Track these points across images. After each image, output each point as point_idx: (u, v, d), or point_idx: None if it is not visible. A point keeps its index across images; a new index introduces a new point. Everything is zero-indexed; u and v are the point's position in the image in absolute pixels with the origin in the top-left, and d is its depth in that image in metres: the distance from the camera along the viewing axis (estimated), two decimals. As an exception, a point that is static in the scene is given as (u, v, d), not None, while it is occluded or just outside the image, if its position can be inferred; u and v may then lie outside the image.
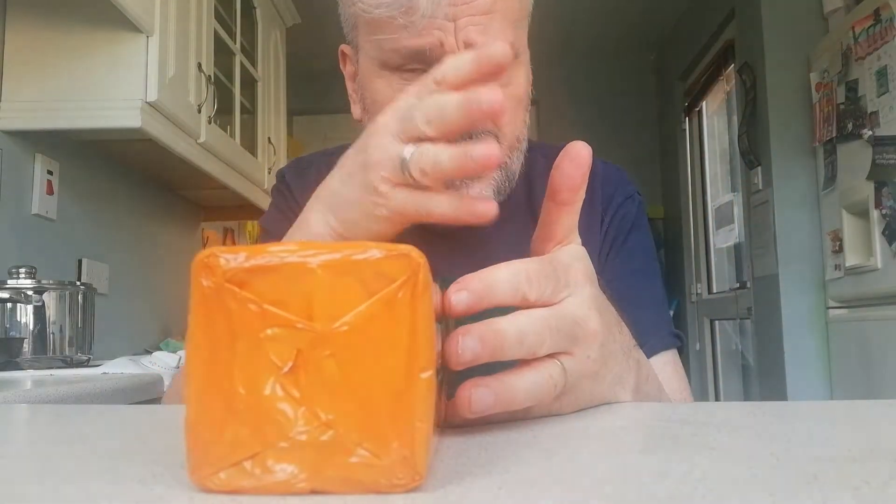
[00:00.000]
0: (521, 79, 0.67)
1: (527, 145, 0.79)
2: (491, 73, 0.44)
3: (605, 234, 0.76)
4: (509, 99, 0.65)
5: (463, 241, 0.73)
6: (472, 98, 0.42)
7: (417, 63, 0.65)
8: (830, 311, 2.61)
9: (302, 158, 0.88)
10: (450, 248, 0.73)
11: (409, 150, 0.46)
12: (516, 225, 0.75)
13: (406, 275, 0.22)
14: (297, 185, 0.82)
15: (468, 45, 0.62)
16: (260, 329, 0.22)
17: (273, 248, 0.22)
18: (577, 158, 0.39)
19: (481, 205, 0.48)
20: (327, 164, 0.81)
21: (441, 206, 0.47)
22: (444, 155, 0.45)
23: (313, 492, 0.22)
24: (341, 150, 0.81)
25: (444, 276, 0.32)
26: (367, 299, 0.22)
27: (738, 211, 3.38)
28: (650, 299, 0.73)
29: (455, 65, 0.45)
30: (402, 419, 0.22)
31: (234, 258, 0.22)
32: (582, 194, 0.40)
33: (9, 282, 1.43)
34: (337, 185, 0.55)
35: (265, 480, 0.22)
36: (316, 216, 0.56)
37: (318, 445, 0.22)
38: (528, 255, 0.39)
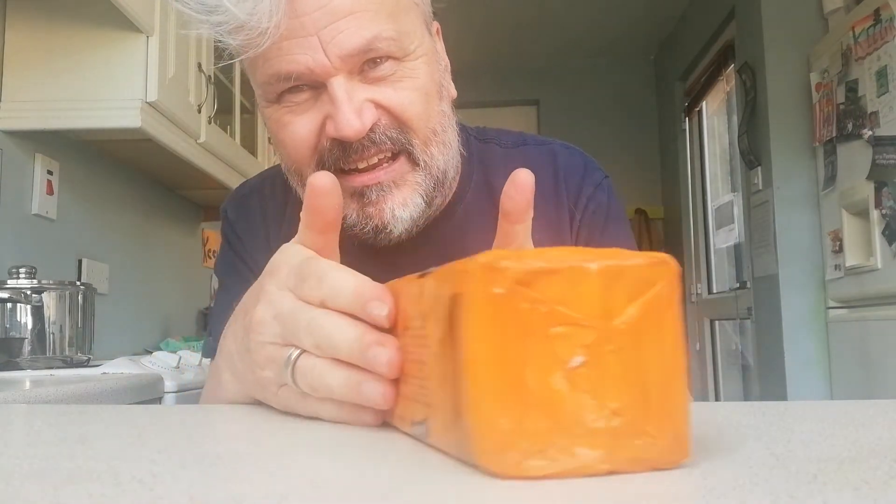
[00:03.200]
0: (419, 70, 0.62)
1: (476, 135, 0.76)
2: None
3: (579, 227, 0.73)
4: (410, 92, 0.61)
5: (431, 244, 0.70)
6: (367, 354, 0.35)
7: (294, 90, 0.60)
8: (830, 311, 2.61)
9: (244, 186, 0.84)
10: (418, 251, 0.69)
11: (293, 353, 0.39)
12: (478, 224, 0.72)
13: (666, 279, 0.25)
14: (238, 221, 0.78)
15: (343, 58, 0.58)
16: (548, 327, 0.24)
17: (546, 253, 0.25)
18: (521, 184, 0.43)
19: (371, 414, 0.37)
20: (270, 187, 0.78)
21: (330, 414, 0.39)
22: (333, 381, 0.37)
23: (609, 473, 0.24)
24: (278, 176, 0.77)
25: None
26: (634, 301, 0.25)
27: (738, 211, 3.38)
28: None
29: (337, 292, 0.38)
30: (673, 404, 0.25)
31: (521, 263, 0.24)
32: (531, 212, 0.44)
33: (9, 282, 1.43)
34: (234, 352, 0.48)
35: (569, 465, 0.24)
36: (226, 376, 0.50)
37: (610, 431, 0.24)
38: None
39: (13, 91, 1.66)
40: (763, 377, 3.00)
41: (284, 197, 0.76)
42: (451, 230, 0.72)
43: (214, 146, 2.10)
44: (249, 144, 2.56)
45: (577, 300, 0.24)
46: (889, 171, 2.15)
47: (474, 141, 0.76)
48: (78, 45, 1.66)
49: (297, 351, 0.39)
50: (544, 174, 0.74)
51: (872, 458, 0.26)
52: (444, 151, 0.65)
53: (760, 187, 2.89)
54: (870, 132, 2.22)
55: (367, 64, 0.60)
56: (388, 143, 0.61)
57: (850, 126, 2.34)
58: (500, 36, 4.03)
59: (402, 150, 0.62)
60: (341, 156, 0.61)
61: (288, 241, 0.64)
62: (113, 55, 1.66)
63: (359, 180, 0.62)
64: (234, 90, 2.41)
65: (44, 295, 1.44)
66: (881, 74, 2.17)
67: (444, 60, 0.70)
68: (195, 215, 2.81)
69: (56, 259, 1.84)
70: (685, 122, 4.05)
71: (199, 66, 1.98)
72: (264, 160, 2.66)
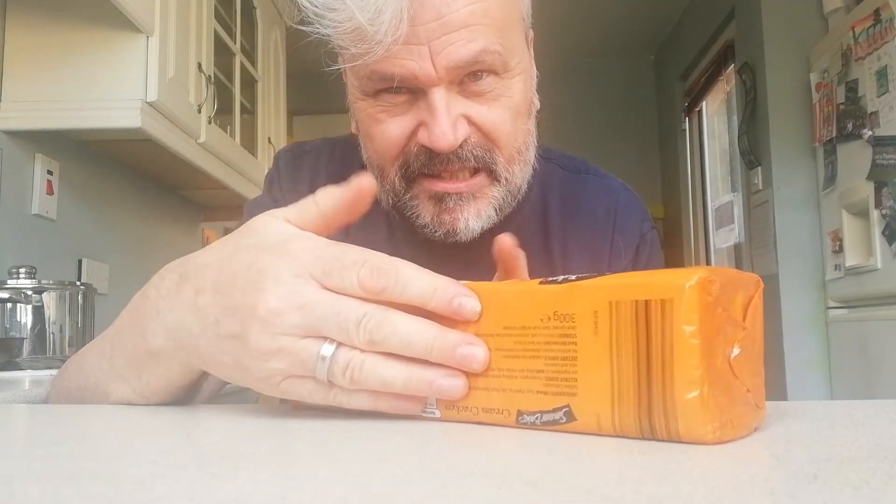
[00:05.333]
0: (515, 88, 0.63)
1: (541, 152, 0.76)
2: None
3: (634, 259, 0.75)
4: (503, 112, 0.62)
5: (472, 258, 0.71)
6: (459, 352, 0.35)
7: (394, 90, 0.61)
8: (830, 311, 2.61)
9: (304, 143, 0.82)
10: (459, 266, 0.70)
11: (328, 349, 0.36)
12: (527, 239, 0.74)
13: (759, 291, 0.34)
14: (286, 171, 0.78)
15: (449, 70, 0.58)
16: (723, 327, 0.31)
17: (719, 270, 0.32)
18: (504, 246, 0.51)
19: (418, 403, 0.37)
20: (328, 155, 0.79)
21: (364, 403, 0.37)
22: (394, 375, 0.36)
23: (738, 437, 0.31)
24: (346, 141, 0.80)
25: None
26: (745, 307, 0.33)
27: (738, 211, 3.38)
28: None
29: (406, 285, 0.36)
30: (762, 383, 0.34)
31: (717, 279, 0.31)
32: (521, 261, 0.52)
33: (9, 282, 1.43)
34: (192, 329, 0.41)
35: (740, 432, 0.31)
36: (158, 341, 0.44)
37: (749, 405, 0.32)
38: (539, 269, 0.47)
39: (13, 91, 1.66)
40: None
41: (340, 169, 0.76)
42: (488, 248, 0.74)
43: (214, 146, 2.10)
44: (249, 144, 2.56)
45: (734, 306, 0.32)
46: (889, 171, 2.15)
47: (538, 157, 0.76)
48: (78, 45, 1.66)
49: (335, 345, 0.36)
50: (598, 207, 0.76)
51: (872, 458, 0.26)
52: (523, 169, 0.67)
53: (760, 187, 2.89)
54: (870, 132, 2.22)
55: (468, 77, 0.60)
56: (473, 161, 0.62)
57: (850, 126, 2.34)
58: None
59: (484, 168, 0.64)
60: (427, 162, 0.62)
61: None
62: (113, 55, 1.66)
63: (441, 186, 0.63)
64: (234, 90, 2.41)
65: (44, 295, 1.44)
66: (881, 74, 2.17)
67: (534, 72, 0.70)
68: (195, 215, 2.81)
69: (56, 259, 1.84)
70: (685, 122, 4.05)
71: (199, 66, 1.98)
72: (264, 160, 2.66)
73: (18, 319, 1.42)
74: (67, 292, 1.49)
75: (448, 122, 0.59)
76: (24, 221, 1.73)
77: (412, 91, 0.61)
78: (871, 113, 2.22)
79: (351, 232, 0.73)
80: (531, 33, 0.70)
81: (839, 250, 2.45)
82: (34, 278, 1.45)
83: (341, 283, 0.37)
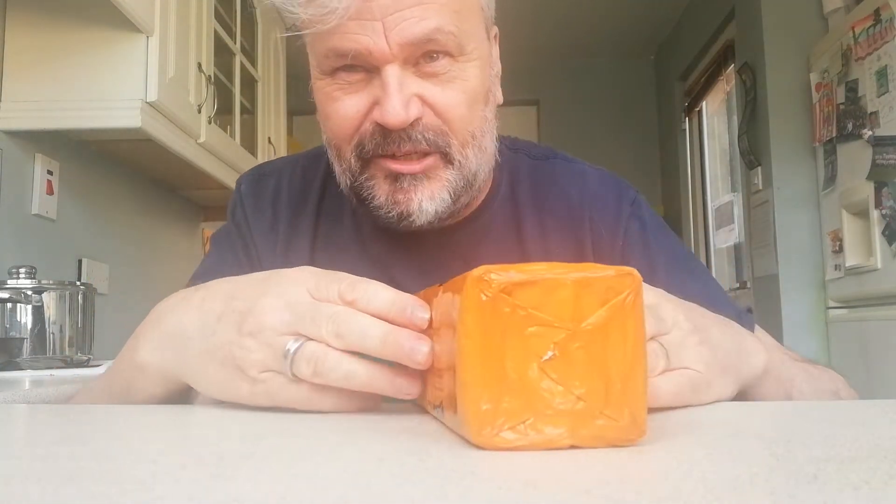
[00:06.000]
0: (470, 73, 0.63)
1: (507, 144, 0.77)
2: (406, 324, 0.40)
3: (622, 249, 0.73)
4: (457, 94, 0.63)
5: (454, 247, 0.72)
6: (407, 345, 0.38)
7: (349, 68, 0.62)
8: (830, 311, 2.61)
9: (265, 165, 0.83)
10: (442, 252, 0.72)
11: (298, 342, 0.41)
12: (499, 234, 0.74)
13: (630, 289, 0.31)
14: (249, 197, 0.78)
15: (402, 46, 0.59)
16: (525, 328, 0.30)
17: (531, 267, 0.30)
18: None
19: (374, 401, 0.43)
20: (289, 175, 0.79)
21: (325, 403, 0.42)
22: (356, 369, 0.40)
23: (571, 447, 0.30)
24: (308, 156, 0.80)
25: None
26: (601, 307, 0.30)
27: (738, 211, 3.38)
28: (708, 298, 0.62)
29: (371, 298, 0.41)
30: (630, 392, 0.30)
31: (504, 275, 0.30)
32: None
33: (9, 282, 1.43)
34: (196, 338, 0.46)
35: (536, 439, 0.29)
36: (166, 354, 0.49)
37: (573, 413, 0.30)
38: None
39: (13, 91, 1.66)
40: (763, 377, 2.99)
41: (303, 185, 0.77)
42: (473, 236, 0.74)
43: (214, 146, 2.10)
44: (249, 144, 2.56)
45: (553, 306, 0.30)
46: (889, 171, 2.15)
47: (505, 150, 0.76)
48: (78, 45, 1.66)
49: (302, 339, 0.41)
50: (570, 191, 0.76)
51: (872, 458, 0.26)
52: (478, 155, 0.67)
53: (760, 187, 2.89)
54: (870, 132, 2.22)
55: (423, 57, 0.62)
56: (424, 143, 0.63)
57: (850, 126, 2.34)
58: (499, 36, 4.03)
59: (437, 151, 0.64)
60: (381, 142, 0.63)
61: (303, 233, 0.69)
62: (113, 55, 1.66)
63: (394, 166, 0.64)
64: (234, 90, 2.41)
65: (44, 295, 1.44)
66: (881, 74, 2.17)
67: (497, 66, 0.72)
68: (195, 215, 2.81)
69: (56, 259, 1.84)
70: (685, 122, 4.05)
71: (199, 66, 1.98)
72: (264, 160, 2.66)
73: (18, 319, 1.42)
74: (67, 292, 1.49)
75: (400, 98, 0.60)
76: (24, 221, 1.73)
77: (368, 70, 0.62)
78: (871, 113, 2.22)
79: (321, 234, 0.74)
80: (496, 30, 0.72)
81: (839, 250, 2.46)
82: (34, 278, 1.45)
83: (326, 293, 0.43)
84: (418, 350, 0.38)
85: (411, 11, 0.59)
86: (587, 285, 0.30)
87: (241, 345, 0.43)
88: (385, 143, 0.63)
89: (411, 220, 0.64)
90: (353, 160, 0.65)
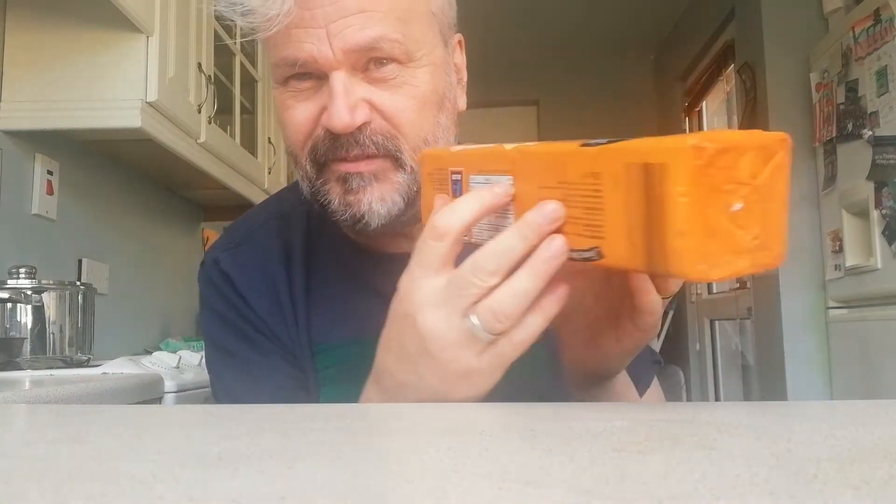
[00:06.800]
0: (420, 78, 0.64)
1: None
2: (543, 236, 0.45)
3: None
4: (406, 99, 0.63)
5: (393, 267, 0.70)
6: (536, 229, 0.44)
7: (300, 76, 0.63)
8: (830, 311, 2.61)
9: (232, 234, 0.78)
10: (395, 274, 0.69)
11: (474, 318, 0.45)
12: None
13: (784, 149, 0.38)
14: (236, 274, 0.72)
15: (346, 53, 0.60)
16: (723, 185, 0.36)
17: (720, 135, 0.37)
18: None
19: (565, 291, 0.47)
20: (263, 234, 0.75)
21: (537, 322, 0.46)
22: (524, 280, 0.45)
23: (752, 272, 0.39)
24: (270, 219, 0.76)
25: None
26: (765, 165, 0.37)
27: (738, 211, 3.38)
28: None
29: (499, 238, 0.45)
30: (782, 230, 0.39)
31: (711, 145, 0.36)
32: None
33: (9, 282, 1.43)
34: (401, 376, 0.50)
35: (731, 270, 0.37)
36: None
37: (751, 249, 0.38)
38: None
39: (13, 91, 1.66)
40: (763, 377, 3.00)
41: (282, 238, 0.74)
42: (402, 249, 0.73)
43: (214, 146, 2.10)
44: (249, 144, 2.56)
45: (740, 167, 0.37)
46: (889, 171, 2.15)
47: None
48: (78, 45, 1.66)
49: (474, 314, 0.45)
50: None
51: (872, 458, 0.26)
52: None
53: (760, 187, 2.89)
54: (870, 132, 2.22)
55: (371, 63, 0.62)
56: (373, 147, 0.63)
57: (850, 126, 2.34)
58: (499, 36, 4.03)
59: (386, 155, 0.64)
60: (331, 146, 0.64)
61: (311, 278, 0.72)
62: (113, 55, 1.66)
63: (343, 167, 0.64)
64: (234, 90, 2.41)
65: (44, 295, 1.44)
66: (881, 74, 2.17)
67: (460, 74, 0.72)
68: (195, 215, 2.81)
69: (56, 259, 1.84)
70: (685, 122, 4.05)
71: (199, 66, 1.98)
72: (264, 160, 2.67)
73: (18, 319, 1.42)
74: (67, 292, 1.49)
75: (344, 103, 0.61)
76: (24, 221, 1.73)
77: (318, 77, 0.63)
78: (871, 113, 2.22)
79: (313, 279, 0.72)
80: (459, 37, 0.72)
81: (839, 250, 2.45)
82: (34, 278, 1.45)
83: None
84: (555, 215, 0.43)
85: (354, 19, 0.60)
86: (763, 148, 0.37)
87: (442, 356, 0.46)
88: (334, 147, 0.63)
89: (365, 221, 0.65)
90: (308, 166, 0.66)
